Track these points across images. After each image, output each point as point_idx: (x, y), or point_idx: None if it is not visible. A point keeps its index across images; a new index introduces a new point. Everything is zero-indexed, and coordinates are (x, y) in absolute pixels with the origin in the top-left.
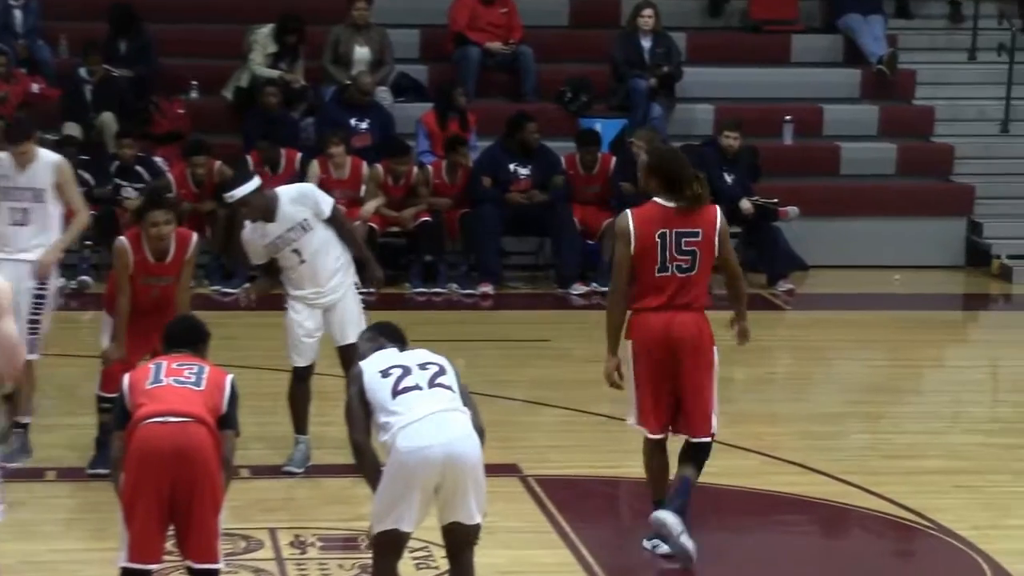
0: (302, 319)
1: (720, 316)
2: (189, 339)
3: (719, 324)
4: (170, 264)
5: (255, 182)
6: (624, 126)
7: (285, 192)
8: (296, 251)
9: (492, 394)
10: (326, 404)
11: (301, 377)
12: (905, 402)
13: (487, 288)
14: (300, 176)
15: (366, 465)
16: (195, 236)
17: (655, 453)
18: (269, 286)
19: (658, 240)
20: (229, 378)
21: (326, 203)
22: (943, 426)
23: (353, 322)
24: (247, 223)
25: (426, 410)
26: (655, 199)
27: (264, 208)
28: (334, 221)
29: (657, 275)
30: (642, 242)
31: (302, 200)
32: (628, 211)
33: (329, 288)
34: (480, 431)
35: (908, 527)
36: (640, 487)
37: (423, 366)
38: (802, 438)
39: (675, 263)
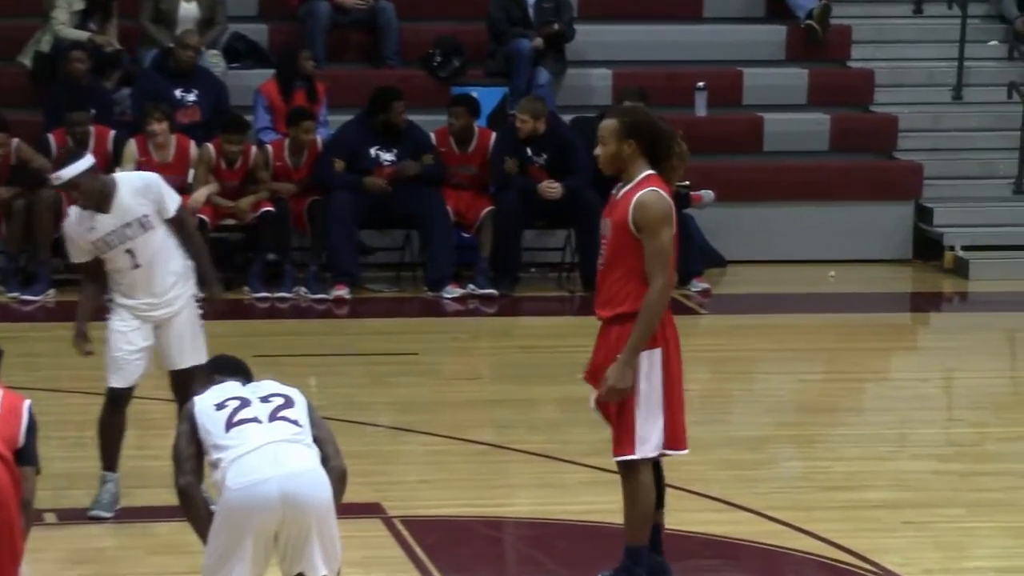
0: (128, 332)
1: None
2: None
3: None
4: None
5: (88, 160)
6: (504, 95)
7: (126, 180)
8: (130, 252)
9: (349, 419)
10: (149, 435)
11: (116, 402)
12: (844, 423)
13: (342, 292)
14: (114, 158)
15: (195, 514)
16: None
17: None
18: (92, 304)
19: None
20: (26, 404)
21: (172, 200)
22: (888, 451)
23: (190, 343)
24: (71, 211)
25: (261, 441)
26: (648, 172)
27: (99, 195)
28: (178, 222)
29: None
30: (677, 226)
31: (145, 192)
32: (654, 188)
33: (165, 300)
34: (341, 475)
35: (848, 572)
36: (525, 528)
37: (266, 399)
38: (722, 468)
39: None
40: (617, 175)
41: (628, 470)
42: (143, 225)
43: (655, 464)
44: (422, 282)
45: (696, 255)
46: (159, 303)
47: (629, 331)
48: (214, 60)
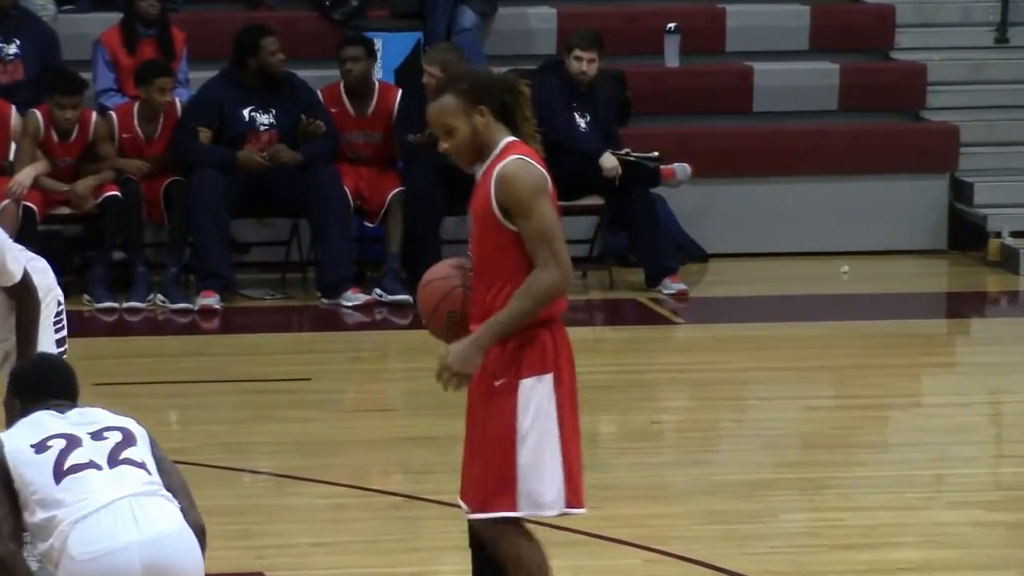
0: None
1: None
2: None
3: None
4: None
5: None
6: (418, 42)
7: None
8: None
9: (223, 465)
10: None
11: None
12: (862, 462)
13: (211, 300)
14: None
15: None
16: None
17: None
18: None
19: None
20: None
21: (16, 265)
22: (920, 498)
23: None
24: None
25: (110, 496)
26: (509, 138)
27: None
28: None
29: None
30: (554, 202)
31: None
32: (518, 155)
33: None
34: (199, 531)
35: None
36: None
37: (98, 435)
38: (705, 521)
39: None
40: (477, 162)
41: (501, 531)
42: None
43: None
44: (314, 287)
45: (668, 247)
46: None
47: (506, 350)
48: (40, 2)
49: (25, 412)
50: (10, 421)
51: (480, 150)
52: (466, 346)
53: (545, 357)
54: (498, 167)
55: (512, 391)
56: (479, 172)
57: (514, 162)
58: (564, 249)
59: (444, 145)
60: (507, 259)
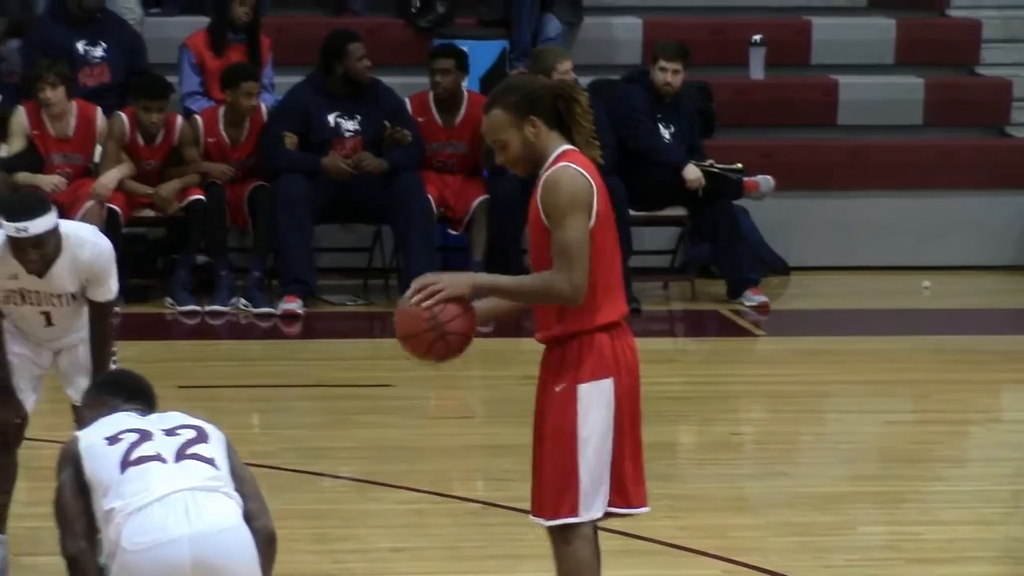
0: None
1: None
2: None
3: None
4: None
5: (55, 214)
6: (503, 50)
7: (73, 247)
8: (46, 314)
9: (303, 469)
10: (44, 487)
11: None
12: (941, 477)
13: (293, 305)
14: None
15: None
16: None
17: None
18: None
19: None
20: None
21: (111, 289)
22: (998, 513)
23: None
24: None
25: (166, 489)
26: (564, 147)
27: (49, 260)
28: (100, 310)
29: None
30: (603, 211)
31: (88, 269)
32: (567, 163)
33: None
34: (268, 538)
35: None
36: None
37: (171, 432)
38: (784, 533)
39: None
40: (534, 172)
41: (564, 537)
42: (72, 298)
43: (595, 529)
44: (396, 293)
45: (751, 260)
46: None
47: (567, 355)
48: (127, 5)
49: (106, 414)
50: (85, 414)
51: (535, 161)
52: (463, 276)
53: (604, 362)
54: (546, 174)
55: (571, 396)
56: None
57: (561, 170)
58: (583, 268)
59: (500, 158)
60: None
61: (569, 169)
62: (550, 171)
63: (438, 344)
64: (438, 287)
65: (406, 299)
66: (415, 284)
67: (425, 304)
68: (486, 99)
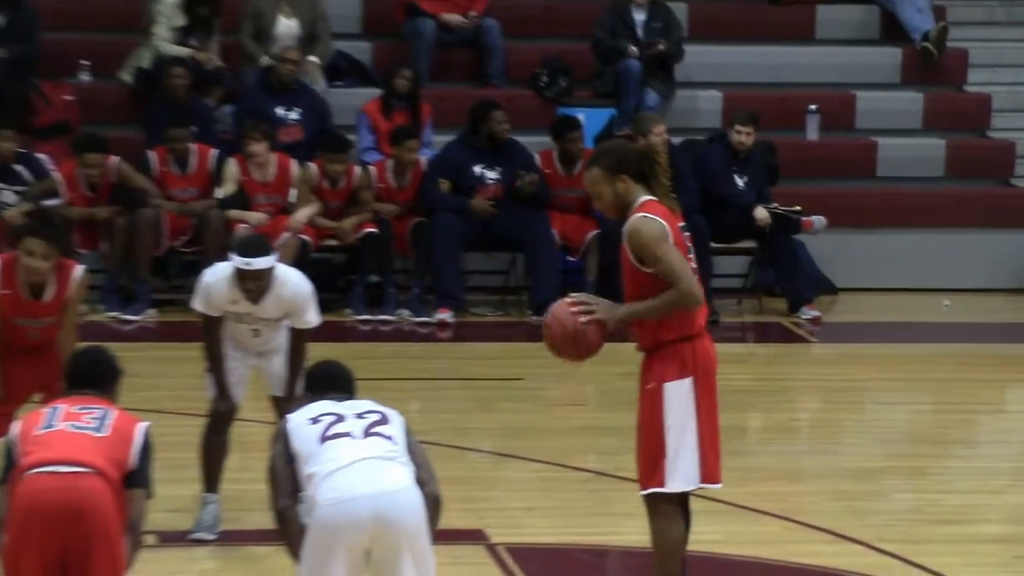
0: (233, 355)
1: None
2: (94, 378)
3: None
4: (50, 303)
5: (275, 256)
6: (612, 117)
7: (282, 283)
8: (256, 331)
9: (453, 445)
10: (249, 457)
11: (220, 423)
12: (956, 455)
13: (445, 315)
14: (215, 177)
15: (292, 536)
16: (79, 268)
17: (681, 514)
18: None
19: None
20: (141, 427)
21: (311, 319)
22: (1003, 484)
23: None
24: (220, 269)
25: (353, 457)
26: (644, 198)
27: (265, 290)
28: (298, 335)
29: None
30: (675, 244)
31: (291, 304)
32: (641, 213)
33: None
34: (434, 501)
35: None
36: (632, 558)
37: (361, 415)
38: (832, 498)
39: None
40: (623, 216)
41: (656, 504)
42: (276, 321)
43: (683, 498)
44: (527, 306)
45: (806, 282)
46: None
47: (656, 361)
48: (316, 78)
49: (313, 400)
50: (298, 403)
51: (623, 208)
52: (615, 307)
53: (684, 366)
54: (628, 223)
55: (659, 392)
56: None
57: (638, 220)
58: (687, 276)
59: (596, 205)
60: (640, 288)
61: (644, 217)
62: (630, 220)
63: (576, 347)
64: (592, 308)
65: (563, 304)
66: (577, 297)
67: (581, 318)
68: (589, 158)
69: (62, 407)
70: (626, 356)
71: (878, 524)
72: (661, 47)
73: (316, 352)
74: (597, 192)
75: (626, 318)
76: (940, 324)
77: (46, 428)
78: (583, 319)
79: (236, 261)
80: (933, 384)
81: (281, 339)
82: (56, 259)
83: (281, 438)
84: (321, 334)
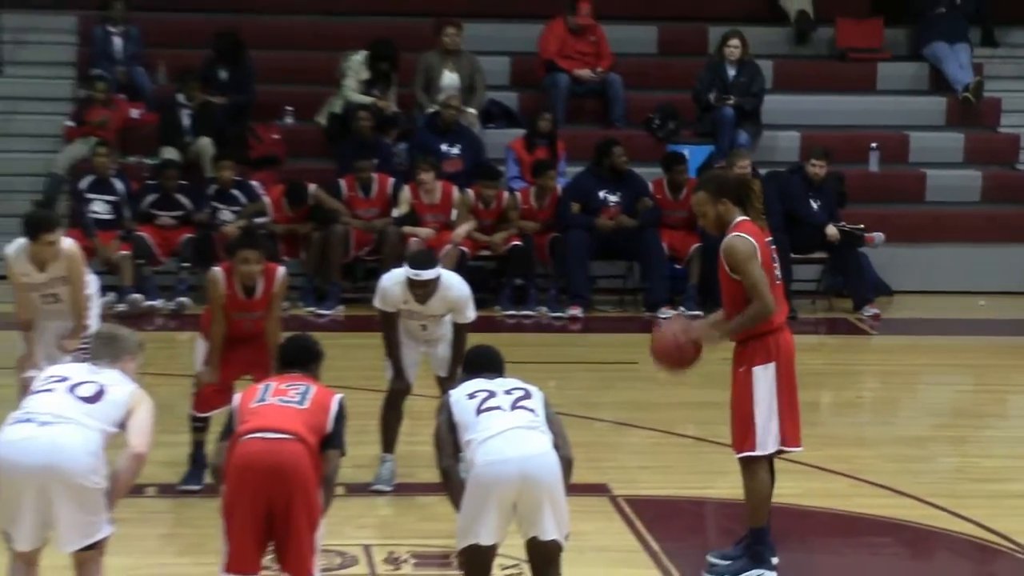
0: (407, 343)
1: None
2: (301, 359)
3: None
4: (258, 300)
5: (439, 268)
6: (710, 152)
7: (445, 286)
8: (424, 327)
9: (582, 415)
10: (418, 424)
11: (396, 397)
12: (992, 426)
13: (576, 311)
14: (392, 201)
15: (453, 489)
16: (282, 270)
17: (768, 473)
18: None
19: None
20: (336, 398)
21: (469, 315)
22: None
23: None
24: (396, 274)
25: (503, 427)
26: (739, 218)
27: (431, 294)
28: (460, 329)
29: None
30: (764, 259)
31: (454, 304)
32: (737, 232)
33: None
34: (567, 462)
35: (994, 550)
36: (726, 508)
37: (509, 391)
38: (890, 461)
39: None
40: (723, 232)
41: (748, 465)
42: (440, 317)
43: (769, 459)
44: (642, 304)
45: (868, 286)
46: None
47: (746, 349)
48: (473, 121)
49: (470, 378)
50: (456, 386)
51: (722, 226)
52: (709, 331)
53: (768, 353)
54: (725, 240)
55: (749, 375)
56: None
57: (733, 238)
58: (767, 291)
59: (700, 222)
60: (731, 291)
61: (738, 237)
62: (727, 238)
63: (678, 361)
64: (689, 327)
65: (669, 324)
66: (677, 318)
67: (681, 339)
68: (697, 182)
69: (272, 384)
70: (721, 345)
71: (927, 482)
72: (730, 102)
73: (472, 340)
74: (702, 211)
75: (716, 336)
76: (977, 320)
77: (259, 402)
78: (683, 339)
79: (408, 271)
80: (972, 368)
81: (444, 331)
82: (264, 264)
83: (445, 409)
84: (476, 326)
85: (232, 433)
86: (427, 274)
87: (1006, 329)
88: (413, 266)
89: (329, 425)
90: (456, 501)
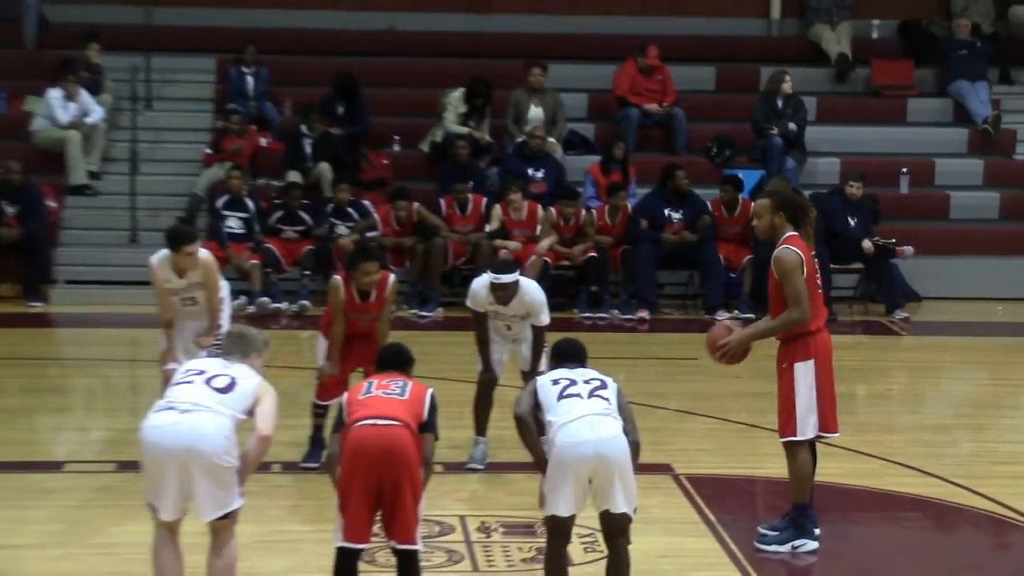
0: (496, 341)
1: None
2: (397, 362)
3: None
4: (373, 303)
5: (517, 273)
6: (762, 176)
7: (524, 289)
8: (508, 327)
9: (649, 404)
10: (506, 411)
11: (487, 387)
12: (1008, 416)
13: (644, 314)
14: (485, 218)
15: (527, 434)
16: (392, 277)
17: (809, 455)
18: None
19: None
20: (429, 391)
21: (543, 318)
22: None
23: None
24: (485, 278)
25: (581, 412)
26: (790, 233)
27: (511, 297)
28: (537, 331)
29: (815, 298)
30: (809, 271)
31: (530, 306)
32: (787, 245)
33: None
34: (635, 445)
35: (1010, 524)
36: (774, 485)
37: (587, 381)
38: (917, 445)
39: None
40: (771, 240)
41: (791, 448)
42: (521, 318)
43: (811, 443)
44: (701, 307)
45: (899, 293)
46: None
47: (789, 347)
48: (555, 148)
49: (555, 368)
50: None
51: (773, 235)
52: (744, 337)
53: (808, 351)
54: (776, 250)
55: (791, 370)
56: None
57: (783, 250)
58: (805, 301)
59: (754, 222)
60: (778, 296)
61: (788, 249)
62: (778, 249)
63: (719, 354)
64: (731, 350)
65: (719, 327)
66: (722, 345)
67: (721, 352)
68: (760, 196)
69: (375, 381)
70: (770, 343)
71: (950, 464)
72: (774, 131)
73: (556, 338)
74: (759, 214)
75: (755, 339)
76: (995, 323)
77: (366, 394)
78: (723, 352)
79: (491, 276)
80: (990, 365)
81: (527, 331)
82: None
83: (531, 393)
84: (557, 327)
85: (343, 424)
86: (506, 278)
87: (1021, 331)
88: (494, 271)
89: (425, 413)
90: (530, 446)
